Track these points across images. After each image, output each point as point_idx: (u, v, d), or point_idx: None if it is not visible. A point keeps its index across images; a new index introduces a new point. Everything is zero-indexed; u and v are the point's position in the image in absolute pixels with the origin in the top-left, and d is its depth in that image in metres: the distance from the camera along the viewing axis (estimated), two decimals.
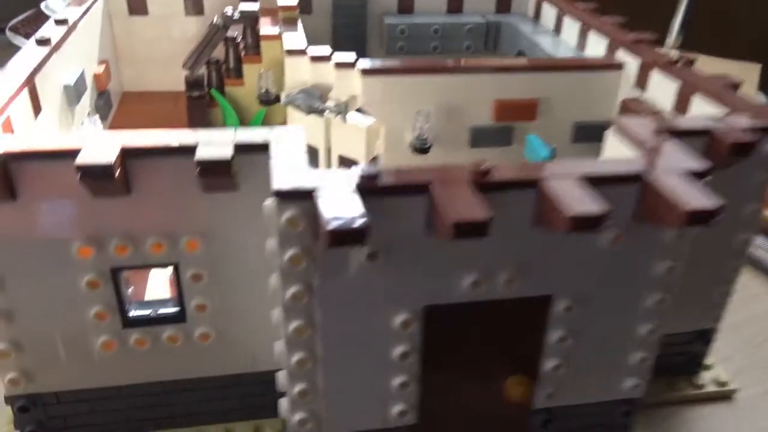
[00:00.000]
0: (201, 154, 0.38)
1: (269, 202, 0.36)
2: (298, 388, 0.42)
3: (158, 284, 0.55)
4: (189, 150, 0.38)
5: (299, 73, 0.63)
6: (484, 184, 0.36)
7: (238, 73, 0.73)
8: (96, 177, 0.37)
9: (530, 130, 0.65)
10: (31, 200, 0.39)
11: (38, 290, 0.42)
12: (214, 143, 0.39)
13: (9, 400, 0.47)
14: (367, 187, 0.35)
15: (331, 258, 0.37)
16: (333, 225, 0.32)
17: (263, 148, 0.40)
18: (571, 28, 0.75)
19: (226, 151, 0.38)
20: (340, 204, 0.34)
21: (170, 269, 0.44)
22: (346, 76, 0.61)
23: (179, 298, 0.45)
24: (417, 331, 0.41)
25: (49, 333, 0.44)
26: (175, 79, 0.83)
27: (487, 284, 0.40)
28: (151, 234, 0.42)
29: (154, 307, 0.46)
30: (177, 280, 0.44)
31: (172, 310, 0.46)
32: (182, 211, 0.41)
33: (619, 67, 0.64)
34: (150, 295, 0.54)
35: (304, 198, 0.35)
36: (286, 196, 0.35)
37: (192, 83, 0.73)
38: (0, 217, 0.39)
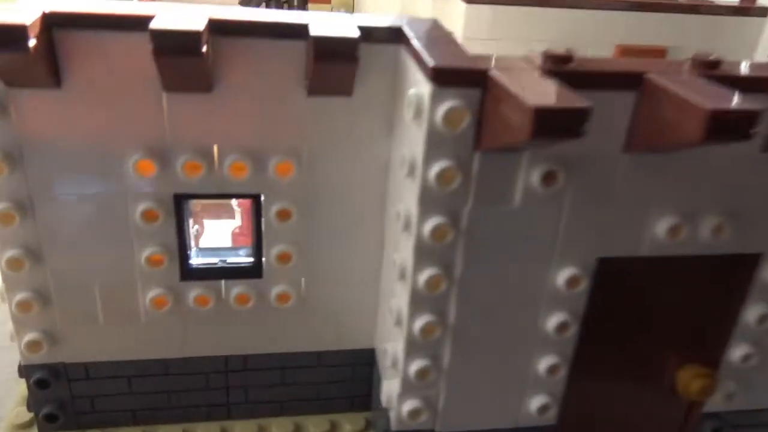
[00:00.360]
0: (319, 30, 0.27)
1: (418, 90, 0.26)
2: (417, 365, 0.31)
3: (215, 236, 0.44)
4: (299, 30, 0.28)
5: (384, 5, 0.54)
6: (714, 78, 0.26)
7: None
8: (176, 51, 0.26)
9: None
10: (81, 88, 0.29)
11: (77, 219, 0.32)
12: (329, 22, 0.29)
13: (25, 370, 0.36)
14: (557, 73, 0.25)
15: (493, 176, 0.27)
16: (539, 102, 0.21)
17: (393, 37, 0.29)
18: None
19: (351, 30, 0.28)
20: (530, 86, 0.23)
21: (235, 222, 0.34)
22: (443, 5, 0.51)
23: (256, 244, 0.34)
24: (584, 293, 0.31)
25: (85, 280, 0.34)
26: None
27: (687, 233, 0.30)
28: (233, 150, 0.31)
29: (221, 256, 0.36)
30: (256, 220, 0.34)
31: (246, 260, 0.35)
32: (277, 120, 0.31)
33: (764, 12, 0.54)
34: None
35: (473, 81, 0.25)
36: (449, 78, 0.25)
37: None
38: (36, 110, 0.29)
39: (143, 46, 0.26)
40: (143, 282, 0.34)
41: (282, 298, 0.36)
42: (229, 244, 0.43)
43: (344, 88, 0.30)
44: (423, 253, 0.28)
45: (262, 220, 0.33)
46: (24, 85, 0.28)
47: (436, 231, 0.28)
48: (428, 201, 0.27)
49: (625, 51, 0.52)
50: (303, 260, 0.35)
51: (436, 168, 0.26)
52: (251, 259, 0.35)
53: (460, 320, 0.31)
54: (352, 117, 0.31)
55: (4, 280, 0.33)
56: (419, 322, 0.30)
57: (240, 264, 0.35)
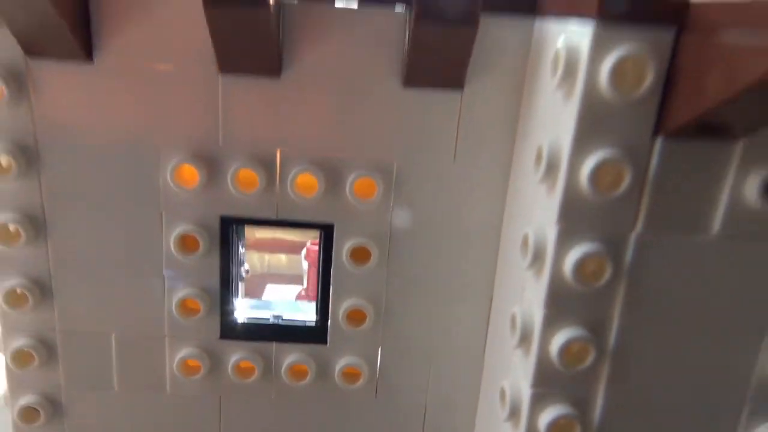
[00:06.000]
0: None
1: (569, 38, 0.17)
2: None
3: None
4: None
5: None
6: None
7: None
8: None
9: None
10: (116, 62, 0.22)
11: (96, 241, 0.25)
12: None
13: None
14: None
15: (681, 181, 0.18)
16: None
17: (526, 5, 0.22)
18: None
19: None
20: None
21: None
22: None
23: (321, 295, 0.26)
24: None
25: (100, 326, 0.26)
26: None
27: None
28: (301, 158, 0.24)
29: (276, 310, 0.27)
30: (323, 262, 0.25)
31: (306, 318, 0.26)
32: (361, 120, 0.23)
33: None
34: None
35: (664, 16, 0.16)
36: (623, 12, 0.16)
37: None
38: (60, 89, 0.23)
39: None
40: (173, 336, 0.26)
41: (349, 375, 0.26)
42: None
43: (454, 76, 0.22)
44: (560, 301, 0.19)
45: (332, 261, 0.25)
46: (48, 54, 0.22)
47: (584, 265, 0.18)
48: (574, 216, 0.18)
49: None
50: (383, 323, 0.26)
51: (591, 162, 0.17)
52: (314, 318, 0.26)
53: (610, 418, 0.20)
54: (462, 117, 0.23)
55: (3, 322, 0.26)
56: (548, 415, 0.20)
57: (299, 323, 0.26)
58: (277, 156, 0.24)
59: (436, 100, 0.23)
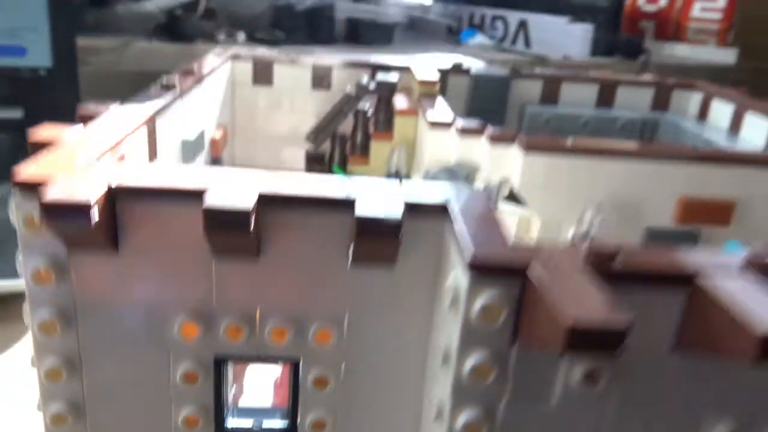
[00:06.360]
0: (363, 211, 0.28)
1: (456, 280, 0.26)
2: None
3: (253, 386, 0.44)
4: (345, 205, 0.29)
5: (442, 150, 0.55)
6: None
7: (364, 150, 0.65)
8: (226, 228, 0.27)
9: (720, 237, 0.53)
10: (137, 253, 0.30)
11: (120, 379, 0.32)
12: (374, 198, 0.29)
13: None
14: (604, 270, 0.24)
15: (531, 372, 0.26)
16: (573, 319, 0.20)
17: (439, 212, 0.30)
18: (757, 127, 0.64)
19: (395, 210, 0.28)
20: (573, 291, 0.22)
21: (278, 369, 0.34)
22: (501, 153, 0.52)
23: (292, 409, 0.34)
24: None
25: None
26: (291, 157, 0.77)
27: None
28: (275, 315, 0.32)
29: (256, 417, 0.35)
30: (293, 384, 0.33)
31: (280, 424, 0.35)
32: (319, 288, 0.31)
33: None
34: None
35: (512, 276, 0.24)
36: (487, 272, 0.24)
37: (313, 158, 0.65)
38: (93, 272, 0.30)
39: (197, 216, 0.27)
40: None
41: None
42: (269, 399, 0.42)
43: (387, 261, 0.30)
44: None
45: (300, 385, 0.33)
46: (84, 248, 0.30)
47: (470, 426, 0.26)
48: (462, 394, 0.26)
49: (689, 205, 0.51)
50: (338, 427, 0.34)
51: (471, 361, 0.25)
52: (286, 423, 0.34)
53: None
54: (393, 288, 0.31)
55: None
56: None
57: (275, 429, 0.35)
58: (257, 314, 0.32)
59: (375, 274, 0.31)
